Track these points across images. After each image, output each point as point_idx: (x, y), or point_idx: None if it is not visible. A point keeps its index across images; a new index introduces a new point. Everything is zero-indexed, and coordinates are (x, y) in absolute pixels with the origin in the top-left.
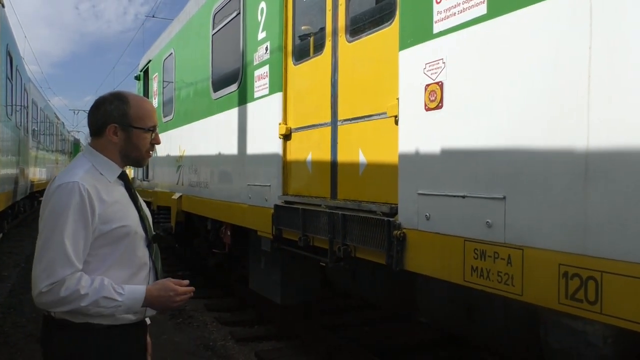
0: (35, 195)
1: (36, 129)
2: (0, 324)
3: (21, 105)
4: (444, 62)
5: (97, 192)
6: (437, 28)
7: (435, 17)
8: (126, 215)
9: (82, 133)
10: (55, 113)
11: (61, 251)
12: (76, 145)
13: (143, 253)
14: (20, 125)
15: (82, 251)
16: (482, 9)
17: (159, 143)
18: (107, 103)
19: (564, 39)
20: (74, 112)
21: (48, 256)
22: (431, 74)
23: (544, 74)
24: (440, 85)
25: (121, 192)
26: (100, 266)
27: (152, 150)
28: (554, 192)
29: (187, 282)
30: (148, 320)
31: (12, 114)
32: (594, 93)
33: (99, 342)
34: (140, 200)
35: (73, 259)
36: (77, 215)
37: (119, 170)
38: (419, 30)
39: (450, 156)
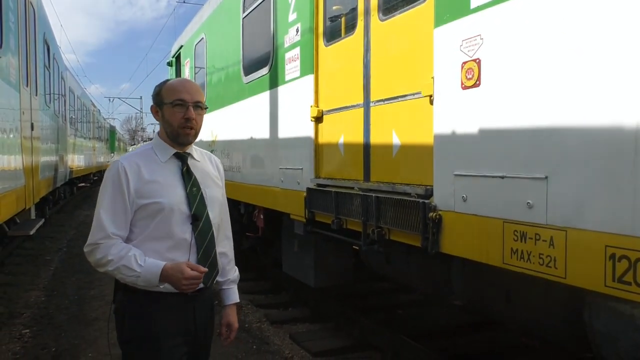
0: (74, 181)
1: (74, 116)
2: (45, 306)
3: (59, 94)
4: (481, 38)
5: (138, 169)
6: (474, 3)
7: None
8: (163, 193)
9: (118, 120)
10: (91, 100)
11: (97, 220)
12: (112, 132)
13: (182, 229)
14: (59, 113)
15: (122, 220)
16: None
17: (191, 118)
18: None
19: (610, 11)
20: (109, 100)
21: (93, 223)
22: (468, 50)
23: (590, 47)
24: (478, 62)
25: (170, 171)
26: (141, 235)
27: (188, 126)
28: (600, 171)
29: (204, 269)
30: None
31: (50, 102)
32: None
33: (139, 302)
34: (199, 181)
35: (106, 226)
36: (113, 188)
37: (171, 151)
38: (456, 6)
39: (488, 136)
